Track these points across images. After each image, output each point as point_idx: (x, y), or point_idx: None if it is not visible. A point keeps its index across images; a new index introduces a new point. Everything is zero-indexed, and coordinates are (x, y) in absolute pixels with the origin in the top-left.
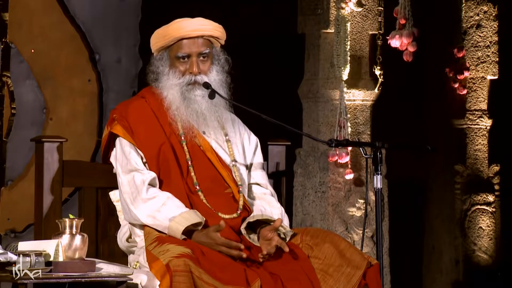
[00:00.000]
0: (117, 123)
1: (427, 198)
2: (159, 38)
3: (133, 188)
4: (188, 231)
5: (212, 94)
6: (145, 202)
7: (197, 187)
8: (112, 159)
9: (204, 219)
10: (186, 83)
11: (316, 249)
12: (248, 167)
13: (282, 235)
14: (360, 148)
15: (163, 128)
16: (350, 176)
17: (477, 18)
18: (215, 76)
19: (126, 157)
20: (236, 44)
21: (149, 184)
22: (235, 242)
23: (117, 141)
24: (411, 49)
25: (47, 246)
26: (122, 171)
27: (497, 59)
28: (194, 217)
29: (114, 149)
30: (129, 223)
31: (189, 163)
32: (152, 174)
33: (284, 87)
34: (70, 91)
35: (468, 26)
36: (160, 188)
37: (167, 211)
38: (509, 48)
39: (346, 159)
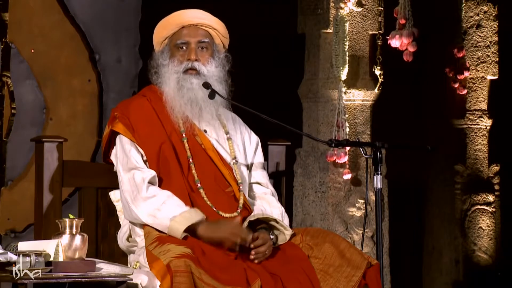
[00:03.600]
0: (118, 121)
1: (427, 198)
2: (160, 28)
3: (133, 186)
4: (190, 230)
5: (212, 94)
6: (145, 200)
7: (199, 184)
8: (112, 157)
9: (205, 216)
10: (183, 69)
11: (316, 249)
12: (249, 167)
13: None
14: (360, 148)
15: (164, 127)
16: (348, 176)
17: (477, 18)
18: (213, 69)
19: (126, 155)
20: (236, 44)
21: (149, 182)
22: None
23: (118, 139)
24: (411, 49)
25: (47, 246)
26: (123, 169)
27: (497, 59)
28: (194, 216)
29: (115, 147)
30: (130, 222)
31: (190, 160)
32: (152, 172)
33: (284, 87)
34: (70, 91)
35: (468, 26)
36: (160, 186)
37: (168, 210)
38: (509, 48)
39: (345, 159)
